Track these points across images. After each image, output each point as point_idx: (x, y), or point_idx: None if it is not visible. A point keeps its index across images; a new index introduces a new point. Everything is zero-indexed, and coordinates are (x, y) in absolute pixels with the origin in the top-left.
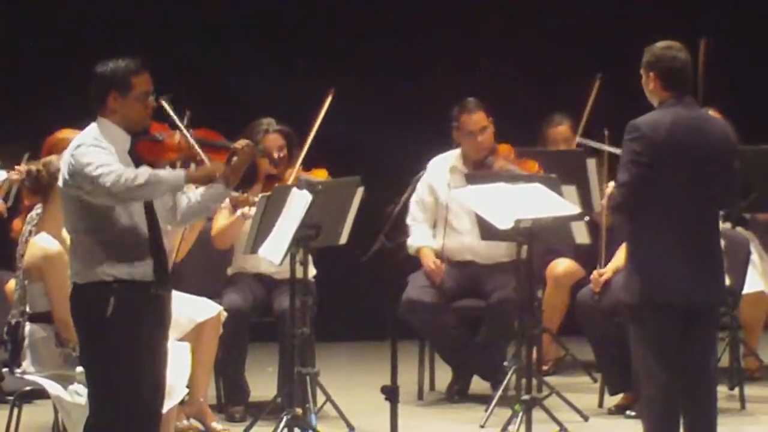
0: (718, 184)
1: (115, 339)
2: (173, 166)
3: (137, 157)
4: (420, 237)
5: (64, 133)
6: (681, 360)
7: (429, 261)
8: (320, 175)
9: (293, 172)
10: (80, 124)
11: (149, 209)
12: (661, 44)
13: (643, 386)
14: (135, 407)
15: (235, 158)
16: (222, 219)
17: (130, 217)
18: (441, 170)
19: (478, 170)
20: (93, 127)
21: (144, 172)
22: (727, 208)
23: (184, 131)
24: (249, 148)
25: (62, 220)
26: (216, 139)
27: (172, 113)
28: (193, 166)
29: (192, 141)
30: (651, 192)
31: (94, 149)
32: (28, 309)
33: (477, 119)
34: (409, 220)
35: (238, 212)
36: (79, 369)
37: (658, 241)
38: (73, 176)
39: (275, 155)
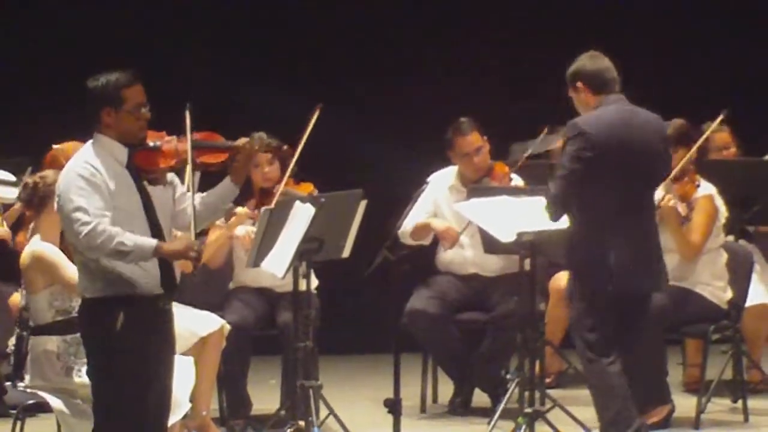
0: (654, 174)
1: (122, 353)
2: (172, 170)
3: (135, 168)
4: (412, 220)
5: (66, 146)
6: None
7: (439, 225)
8: (306, 189)
9: (281, 186)
10: (82, 137)
11: (153, 221)
12: (580, 56)
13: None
14: (141, 421)
15: (237, 157)
16: (212, 236)
17: (133, 231)
18: (441, 187)
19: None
20: (88, 147)
21: (115, 236)
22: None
23: (188, 136)
24: (249, 146)
25: (57, 231)
26: (216, 140)
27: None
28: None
29: (190, 145)
30: (596, 186)
31: (79, 182)
32: (30, 322)
33: (471, 140)
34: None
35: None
36: (80, 381)
37: (613, 233)
38: (60, 200)
39: (265, 169)
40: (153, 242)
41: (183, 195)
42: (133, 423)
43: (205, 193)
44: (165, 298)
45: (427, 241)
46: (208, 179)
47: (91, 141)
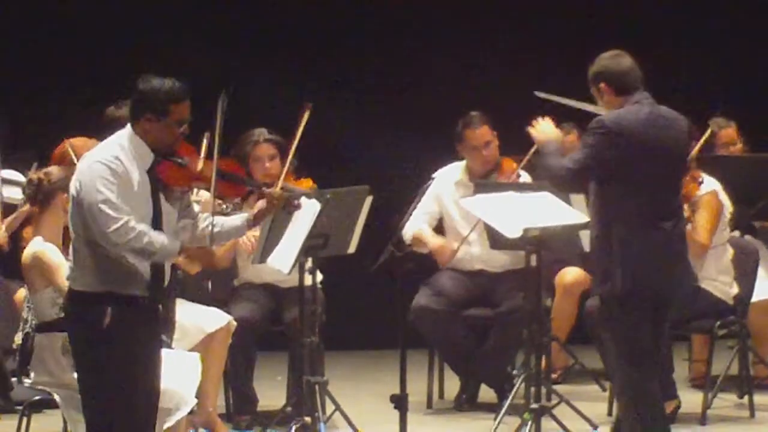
0: (680, 174)
1: (108, 349)
2: (189, 190)
3: (156, 177)
4: (414, 225)
5: (77, 141)
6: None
7: (433, 241)
8: (306, 185)
9: (279, 182)
10: (87, 134)
11: (157, 227)
12: (603, 55)
13: (620, 385)
14: (128, 417)
15: (262, 202)
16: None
17: None
18: (447, 183)
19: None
20: (122, 135)
21: (144, 235)
22: None
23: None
24: (280, 200)
25: (59, 229)
26: (239, 174)
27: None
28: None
29: (215, 174)
30: (621, 186)
31: (108, 175)
32: (35, 319)
33: (481, 134)
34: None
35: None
36: None
37: (636, 234)
38: (82, 190)
39: (266, 164)
40: (177, 246)
41: (192, 211)
42: (122, 419)
43: (219, 219)
44: (150, 300)
45: (425, 250)
46: None
47: (126, 131)
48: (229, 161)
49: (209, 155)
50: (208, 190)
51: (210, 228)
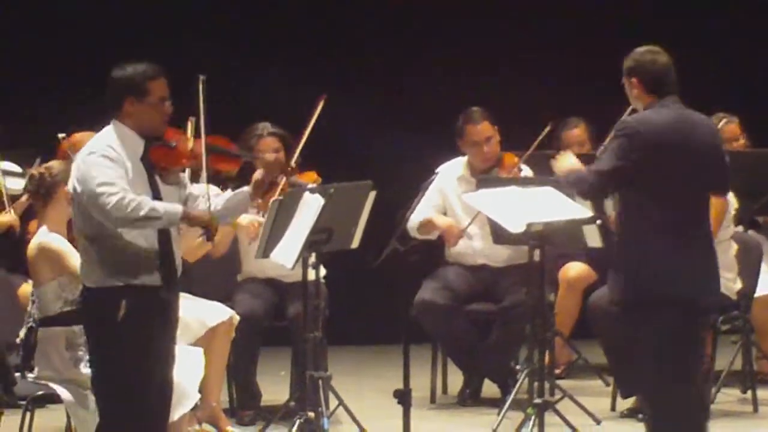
0: (709, 180)
1: (124, 343)
2: (184, 171)
3: (150, 164)
4: (421, 214)
5: (81, 136)
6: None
7: (442, 220)
8: (309, 178)
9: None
10: (93, 128)
11: None
12: (640, 49)
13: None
14: (144, 411)
15: (258, 172)
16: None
17: None
18: (450, 178)
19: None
20: (108, 131)
21: (145, 204)
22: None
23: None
24: (272, 165)
25: (64, 221)
26: (229, 148)
27: (201, 97)
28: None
29: (204, 148)
30: (644, 190)
31: (103, 161)
32: (39, 313)
33: (482, 129)
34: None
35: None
36: (88, 372)
37: (658, 238)
38: (80, 183)
39: (271, 158)
40: (180, 208)
41: (193, 195)
42: (137, 412)
43: (220, 197)
44: (164, 290)
45: (433, 236)
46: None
47: (110, 127)
48: (218, 136)
49: (197, 135)
50: (201, 167)
51: (209, 206)
